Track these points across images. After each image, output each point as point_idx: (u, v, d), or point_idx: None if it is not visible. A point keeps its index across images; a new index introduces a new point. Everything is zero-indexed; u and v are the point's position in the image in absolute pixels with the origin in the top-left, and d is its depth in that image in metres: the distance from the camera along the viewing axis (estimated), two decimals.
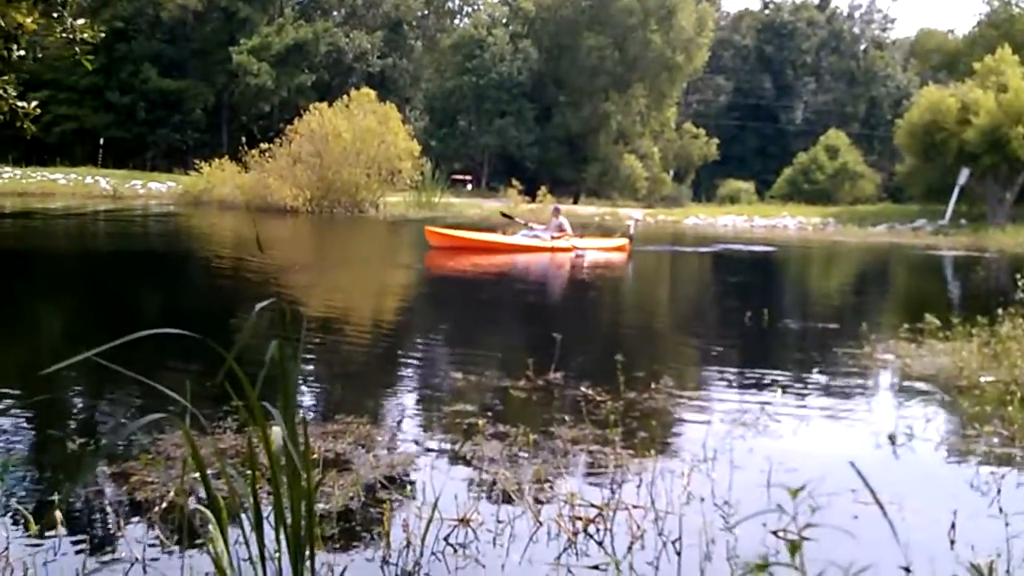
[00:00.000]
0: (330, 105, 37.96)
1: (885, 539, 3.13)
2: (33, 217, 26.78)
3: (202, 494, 4.09)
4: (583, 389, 6.33)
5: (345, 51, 67.96)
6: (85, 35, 4.17)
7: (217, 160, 39.94)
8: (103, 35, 4.41)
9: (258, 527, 2.47)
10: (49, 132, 50.75)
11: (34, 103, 4.38)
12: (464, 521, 3.83)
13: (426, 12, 77.99)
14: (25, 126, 4.33)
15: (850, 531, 3.44)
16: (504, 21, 72.07)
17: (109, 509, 4.00)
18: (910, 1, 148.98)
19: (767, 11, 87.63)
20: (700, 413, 6.12)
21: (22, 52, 3.92)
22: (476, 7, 76.64)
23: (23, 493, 4.20)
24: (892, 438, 5.39)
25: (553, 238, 19.87)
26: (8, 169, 43.84)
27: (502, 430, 5.28)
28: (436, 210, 39.32)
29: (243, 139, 40.61)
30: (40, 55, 4.13)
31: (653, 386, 6.53)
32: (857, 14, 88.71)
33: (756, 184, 70.50)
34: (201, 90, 63.85)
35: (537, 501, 4.12)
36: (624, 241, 21.89)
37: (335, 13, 72.97)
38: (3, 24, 3.72)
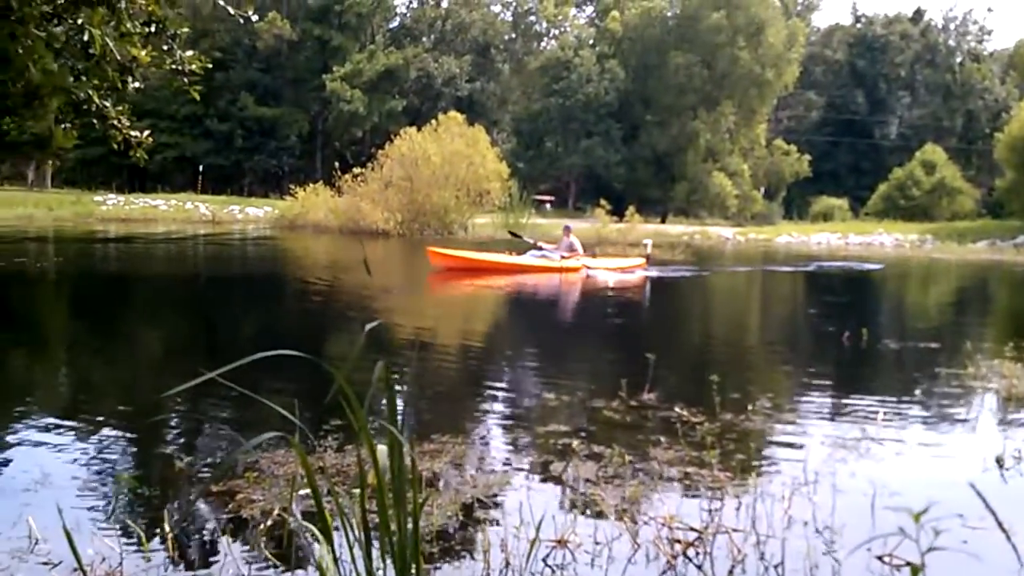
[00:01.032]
0: (419, 129, 38.61)
1: (1000, 564, 3.03)
2: (136, 242, 27.76)
3: (305, 512, 4.20)
4: (677, 410, 6.27)
5: (434, 76, 68.98)
6: (193, 66, 4.32)
7: (311, 185, 40.91)
8: (210, 66, 4.56)
9: (366, 545, 2.51)
10: (151, 160, 52.48)
11: (146, 132, 4.55)
12: (562, 542, 3.83)
13: (513, 35, 78.71)
14: (138, 155, 4.50)
15: (967, 556, 3.33)
16: (591, 42, 72.26)
17: (217, 526, 4.11)
18: (1007, 12, 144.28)
19: (859, 25, 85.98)
20: (799, 436, 6.00)
21: (137, 84, 4.08)
22: (563, 29, 77.04)
23: (137, 510, 4.35)
24: (1000, 461, 5.21)
25: (563, 258, 19.34)
26: (112, 196, 45.62)
27: (597, 451, 5.27)
28: (523, 231, 39.47)
29: (336, 164, 41.52)
30: (141, 85, 4.28)
31: (749, 408, 6.43)
32: (952, 26, 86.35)
33: (850, 201, 69.01)
34: (296, 117, 65.65)
35: (634, 523, 4.09)
36: (640, 261, 21.03)
37: (424, 39, 74.18)
38: (119, 57, 3.88)
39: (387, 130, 50.93)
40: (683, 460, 5.10)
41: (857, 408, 6.91)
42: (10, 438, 5.77)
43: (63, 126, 4.29)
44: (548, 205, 66.10)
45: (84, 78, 4.06)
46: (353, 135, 68.16)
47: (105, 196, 44.85)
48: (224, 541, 3.93)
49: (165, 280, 18.02)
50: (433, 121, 39.66)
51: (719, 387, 6.06)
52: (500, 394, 7.76)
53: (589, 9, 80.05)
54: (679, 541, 3.85)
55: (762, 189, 74.88)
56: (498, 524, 4.10)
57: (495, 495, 4.56)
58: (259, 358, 2.43)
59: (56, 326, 12.17)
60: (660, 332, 12.83)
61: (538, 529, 3.59)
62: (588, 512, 4.28)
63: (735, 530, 3.96)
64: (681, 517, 4.08)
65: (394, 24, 75.94)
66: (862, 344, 10.03)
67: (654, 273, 19.98)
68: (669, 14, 70.05)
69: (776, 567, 3.62)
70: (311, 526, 3.94)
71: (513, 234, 22.82)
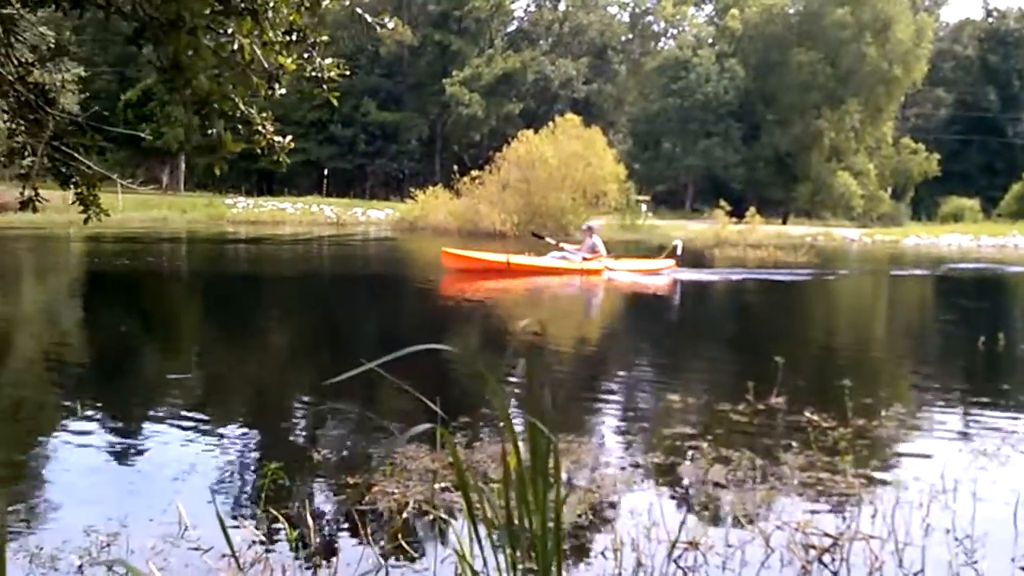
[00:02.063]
0: (536, 132, 38.78)
1: None
2: (266, 243, 28.73)
3: (439, 505, 4.30)
4: (807, 415, 6.15)
5: (551, 79, 69.17)
6: (332, 73, 4.47)
7: (430, 188, 41.57)
8: (347, 73, 4.71)
9: (511, 539, 2.57)
10: (278, 163, 54.39)
11: (288, 138, 4.73)
12: (693, 544, 3.82)
13: (630, 36, 78.27)
14: (281, 159, 4.69)
15: None
16: (710, 41, 71.25)
17: (356, 518, 4.24)
18: None
19: (991, 20, 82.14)
20: (934, 443, 5.82)
21: (283, 91, 4.25)
22: (681, 28, 76.17)
23: (281, 499, 4.52)
24: None
25: (584, 259, 18.46)
26: (242, 199, 47.34)
27: (724, 453, 5.23)
28: (640, 232, 39.30)
29: (454, 167, 42.10)
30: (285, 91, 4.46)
31: (882, 414, 6.27)
32: None
33: (981, 201, 65.95)
34: (416, 121, 66.86)
35: (767, 527, 4.05)
36: (668, 263, 19.68)
37: (542, 42, 74.46)
38: (266, 65, 4.05)
39: (504, 133, 51.35)
40: (814, 465, 5.01)
41: (995, 416, 6.65)
42: (156, 430, 6.09)
43: (211, 132, 4.51)
44: (644, 206, 65.46)
45: (232, 86, 4.25)
46: (471, 138, 68.91)
47: (235, 199, 46.58)
48: (363, 531, 4.05)
49: (294, 279, 18.59)
50: (550, 123, 39.80)
51: (850, 392, 5.93)
52: (624, 394, 7.76)
53: (708, 8, 78.89)
54: (814, 547, 3.80)
55: (888, 189, 72.42)
56: (627, 523, 4.11)
57: (623, 495, 4.58)
58: (412, 352, 2.51)
59: (194, 323, 12.74)
60: (783, 336, 12.57)
61: (679, 532, 3.59)
62: (718, 515, 4.26)
63: (872, 537, 3.88)
64: (815, 522, 4.02)
65: (512, 28, 76.47)
66: (999, 349, 9.63)
67: (685, 275, 19.16)
68: (791, 11, 68.45)
69: (916, 575, 3.54)
70: (450, 519, 4.06)
71: (536, 235, 21.31)
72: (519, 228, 35.38)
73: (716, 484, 4.70)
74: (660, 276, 19.13)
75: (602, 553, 3.81)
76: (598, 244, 18.85)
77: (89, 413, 6.24)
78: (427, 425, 2.58)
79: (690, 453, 5.26)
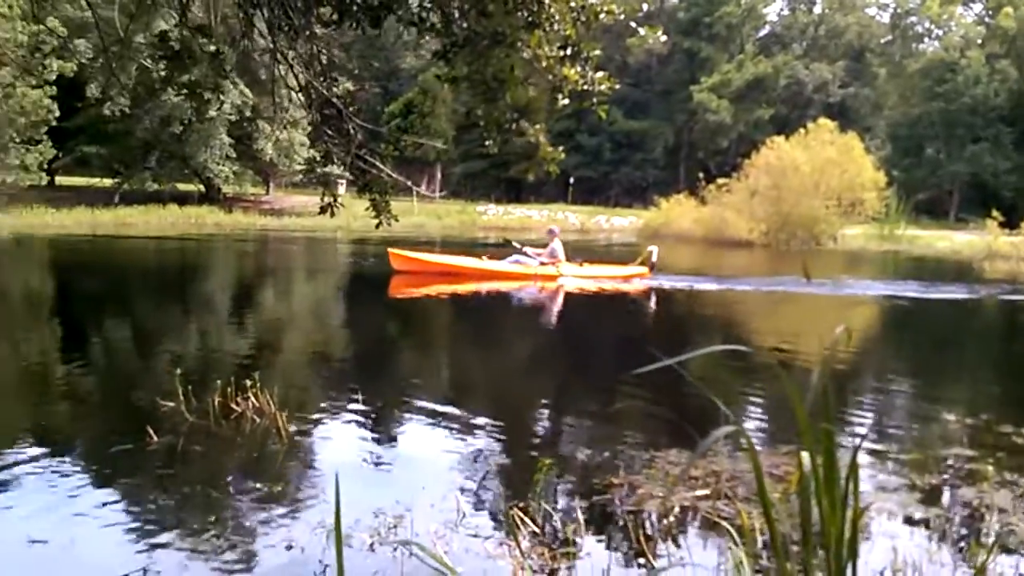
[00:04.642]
0: (788, 138, 37.57)
1: None
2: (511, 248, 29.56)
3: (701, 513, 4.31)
4: None
5: (805, 83, 66.85)
6: (603, 86, 4.60)
7: (675, 195, 41.25)
8: (617, 86, 4.82)
9: (806, 550, 2.55)
10: (527, 172, 55.99)
11: (560, 148, 4.91)
12: (981, 571, 3.62)
13: (891, 38, 74.24)
14: (551, 168, 4.87)
15: None
16: (979, 42, 66.28)
17: (624, 518, 4.34)
18: None
19: None
20: None
21: (566, 101, 4.43)
22: (948, 29, 71.35)
23: (550, 496, 4.69)
24: None
25: (542, 264, 17.48)
26: (492, 206, 49.09)
27: (1010, 477, 4.90)
28: (900, 243, 37.18)
29: (700, 175, 41.57)
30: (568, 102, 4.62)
31: None
32: None
33: None
34: (662, 129, 66.61)
35: None
36: (640, 270, 18.38)
37: (795, 45, 72.13)
38: (550, 78, 4.23)
39: (753, 139, 50.13)
40: None
41: None
42: (425, 423, 6.47)
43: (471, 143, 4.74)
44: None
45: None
46: (718, 145, 67.74)
47: (486, 207, 48.37)
48: (631, 532, 4.14)
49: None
50: (802, 129, 38.43)
51: None
52: (895, 410, 7.42)
53: (977, 7, 73.47)
54: None
55: None
56: (918, 543, 3.96)
57: (909, 514, 4.40)
58: (711, 351, 2.56)
59: (449, 322, 13.37)
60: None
61: (989, 553, 3.43)
62: (1009, 542, 4.01)
63: None
64: None
65: (763, 32, 74.60)
66: None
67: (658, 283, 17.68)
68: None
69: None
70: (721, 525, 4.07)
71: (506, 241, 19.73)
72: (768, 237, 34.49)
73: (1001, 510, 4.42)
74: (630, 283, 17.80)
75: (881, 573, 3.70)
76: (557, 249, 17.76)
77: (360, 406, 6.71)
78: (728, 428, 2.62)
79: (972, 476, 4.97)
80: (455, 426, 6.34)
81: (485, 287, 16.31)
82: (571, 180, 59.79)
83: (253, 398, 6.20)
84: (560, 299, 15.40)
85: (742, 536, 3.57)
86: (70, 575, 3.87)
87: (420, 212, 40.70)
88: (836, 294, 16.97)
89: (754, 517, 4.13)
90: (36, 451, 5.49)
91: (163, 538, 4.18)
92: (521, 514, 4.30)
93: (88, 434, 6.19)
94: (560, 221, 45.53)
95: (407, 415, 6.72)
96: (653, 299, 15.93)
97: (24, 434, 5.91)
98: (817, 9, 73.99)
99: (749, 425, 6.32)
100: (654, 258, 18.27)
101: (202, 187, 41.19)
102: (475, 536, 4.23)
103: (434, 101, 53.81)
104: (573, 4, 4.44)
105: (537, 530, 4.21)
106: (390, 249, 17.91)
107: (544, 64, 4.04)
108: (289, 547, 4.11)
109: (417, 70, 62.84)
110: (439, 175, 57.20)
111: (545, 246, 17.90)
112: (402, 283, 16.51)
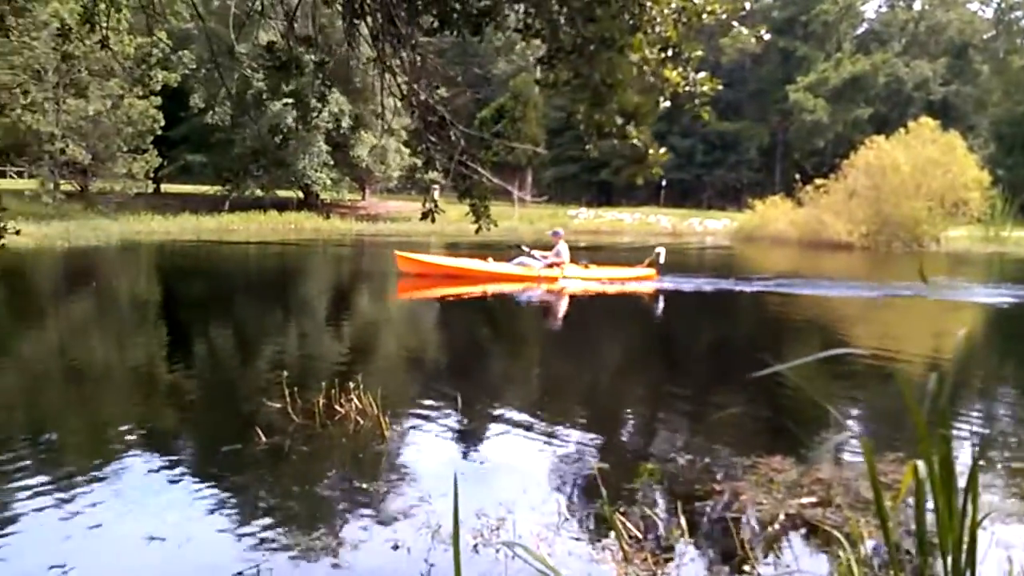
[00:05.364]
0: (887, 137, 36.58)
1: None
2: (603, 250, 29.49)
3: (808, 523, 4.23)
4: None
5: (904, 81, 64.98)
6: (705, 87, 4.55)
7: (770, 197, 40.55)
8: (720, 87, 4.76)
9: (922, 556, 2.49)
10: (618, 175, 55.73)
11: (663, 149, 4.86)
12: None
13: (995, 33, 71.62)
14: (655, 171, 4.84)
15: None
16: None
17: (728, 525, 4.29)
18: None
19: None
20: None
21: (668, 103, 4.40)
22: None
23: (651, 501, 4.67)
24: None
25: (547, 266, 17.28)
26: (583, 210, 49.04)
27: None
28: (1006, 244, 35.84)
29: (796, 176, 40.75)
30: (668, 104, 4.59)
31: None
32: None
33: None
34: (756, 130, 65.56)
35: None
36: (647, 271, 17.97)
37: (894, 43, 70.17)
38: (652, 79, 4.21)
39: (851, 139, 48.97)
40: None
41: None
42: (518, 425, 6.50)
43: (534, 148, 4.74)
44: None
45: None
46: (814, 145, 66.30)
47: (577, 210, 48.37)
48: (736, 539, 4.10)
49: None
50: (902, 128, 37.37)
51: None
52: (1011, 417, 7.18)
53: None
54: None
55: None
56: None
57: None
58: (828, 356, 2.53)
59: (539, 323, 13.41)
60: None
61: None
62: None
63: None
64: None
65: (861, 30, 72.78)
66: None
67: (668, 285, 17.25)
68: None
69: None
70: (832, 534, 3.99)
71: (517, 247, 19.23)
72: (867, 239, 33.62)
73: None
74: (640, 285, 17.48)
75: None
76: (561, 251, 17.59)
77: (457, 408, 6.78)
78: (846, 434, 2.57)
79: None
80: (551, 428, 6.36)
81: (491, 288, 16.47)
82: (663, 183, 59.27)
83: (356, 400, 6.33)
84: (565, 301, 15.45)
85: (851, 544, 3.50)
86: (189, 571, 4.00)
87: (513, 217, 40.93)
88: (948, 299, 16.43)
89: (861, 525, 4.05)
90: (151, 451, 5.70)
91: (274, 537, 4.30)
92: (623, 518, 4.29)
93: (199, 435, 6.40)
94: (651, 224, 45.28)
95: (503, 417, 6.76)
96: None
97: (140, 435, 6.15)
98: (917, 5, 71.95)
99: (856, 431, 6.17)
100: (661, 259, 18.06)
101: (300, 194, 42.13)
102: (577, 539, 4.24)
103: (525, 106, 54.00)
104: (674, 5, 4.41)
105: (639, 534, 4.19)
106: (396, 252, 18.26)
107: (649, 67, 4.02)
108: (396, 547, 4.18)
109: (508, 75, 63.16)
110: (530, 179, 57.33)
111: (551, 248, 17.89)
112: (409, 285, 16.88)
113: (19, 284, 16.08)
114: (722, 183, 66.63)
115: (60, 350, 10.18)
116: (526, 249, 18.00)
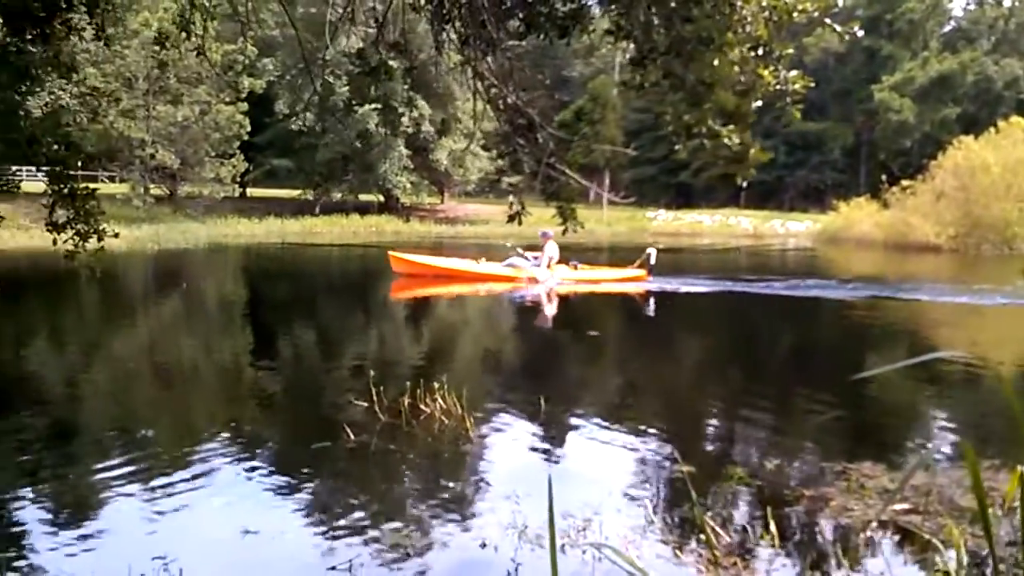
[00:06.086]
0: (976, 137, 35.54)
1: None
2: (683, 252, 29.28)
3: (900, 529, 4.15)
4: None
5: (994, 80, 63.00)
6: (796, 86, 4.49)
7: (854, 199, 39.73)
8: (812, 85, 4.70)
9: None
10: (697, 177, 55.25)
11: (756, 147, 4.81)
12: None
13: None
14: (748, 172, 4.80)
15: None
16: None
17: (819, 530, 4.24)
18: None
19: None
20: None
21: (759, 102, 4.37)
22: None
23: (741, 506, 4.63)
24: None
25: (535, 267, 17.22)
26: (662, 212, 48.70)
27: None
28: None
29: (881, 177, 39.83)
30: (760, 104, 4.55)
31: None
32: None
33: None
34: (840, 130, 64.27)
35: None
36: (638, 272, 17.83)
37: (983, 41, 68.12)
38: (743, 79, 4.18)
39: (938, 139, 47.72)
40: None
41: None
42: (598, 426, 6.50)
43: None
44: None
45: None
46: (901, 146, 64.68)
47: (656, 212, 48.06)
48: (832, 544, 4.04)
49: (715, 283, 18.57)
50: (992, 128, 36.27)
51: None
52: None
53: None
54: None
55: None
56: None
57: None
58: (931, 359, 2.49)
59: (608, 327, 13.38)
60: None
61: None
62: None
63: None
64: None
65: (948, 28, 70.84)
66: None
67: (655, 287, 16.88)
68: None
69: None
70: (931, 541, 3.92)
71: (510, 247, 18.89)
72: (956, 241, 32.69)
73: None
74: (628, 285, 17.31)
75: None
76: (550, 251, 17.45)
77: (540, 409, 6.80)
78: (942, 440, 2.52)
79: None
80: (634, 431, 6.34)
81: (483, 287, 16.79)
82: (744, 184, 58.46)
83: (441, 400, 6.41)
84: (555, 303, 15.44)
85: (949, 551, 3.43)
86: (282, 564, 4.11)
87: (590, 219, 40.80)
88: None
89: (956, 533, 3.96)
90: (243, 448, 5.85)
91: (364, 533, 4.38)
92: (711, 522, 4.27)
93: (288, 432, 6.56)
94: (731, 226, 44.71)
95: (584, 417, 6.78)
96: (651, 303, 15.43)
97: (232, 432, 6.32)
98: (1006, 3, 69.68)
99: (949, 438, 6.01)
100: (652, 260, 17.96)
101: (381, 197, 42.70)
102: (664, 542, 4.23)
103: (604, 108, 53.86)
104: (765, 3, 4.38)
105: (728, 538, 4.16)
106: (390, 252, 18.48)
107: (748, 66, 4.00)
108: (483, 545, 4.22)
109: (586, 78, 63.06)
110: (607, 181, 57.14)
111: (540, 248, 17.76)
112: (402, 284, 17.13)
113: (113, 285, 16.62)
114: (805, 184, 65.46)
115: (153, 348, 10.52)
116: (519, 251, 18.02)
